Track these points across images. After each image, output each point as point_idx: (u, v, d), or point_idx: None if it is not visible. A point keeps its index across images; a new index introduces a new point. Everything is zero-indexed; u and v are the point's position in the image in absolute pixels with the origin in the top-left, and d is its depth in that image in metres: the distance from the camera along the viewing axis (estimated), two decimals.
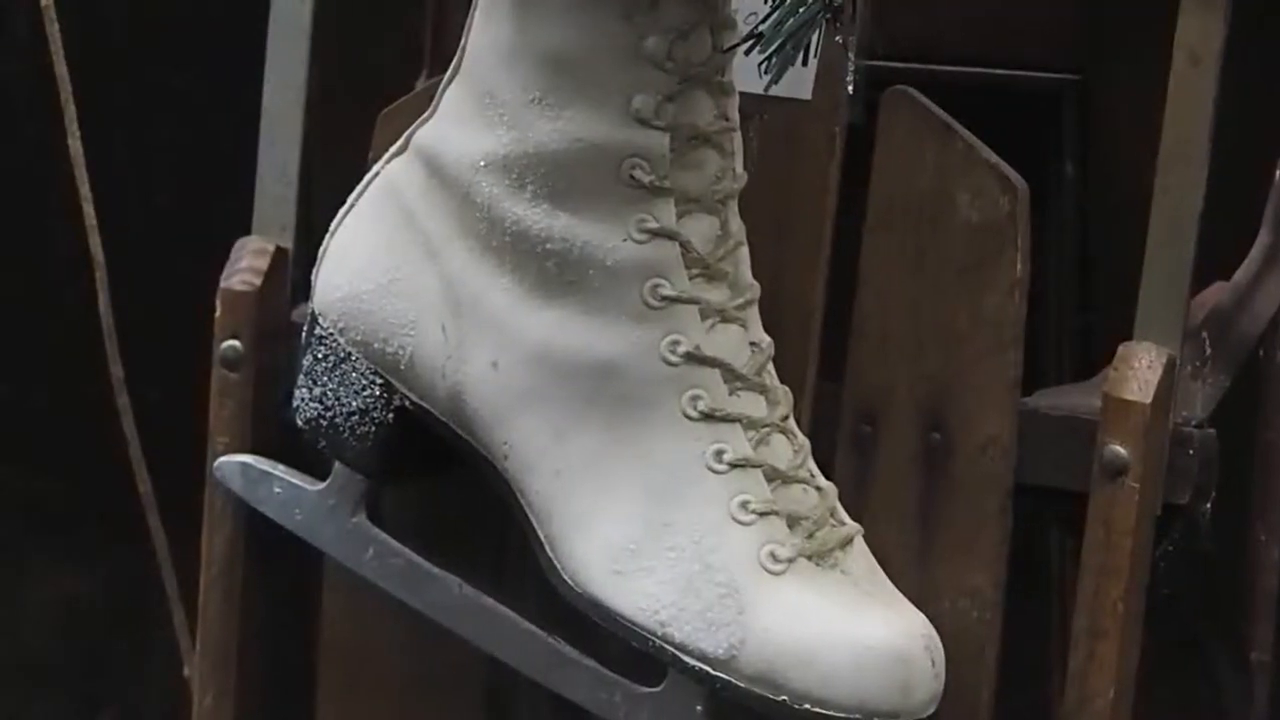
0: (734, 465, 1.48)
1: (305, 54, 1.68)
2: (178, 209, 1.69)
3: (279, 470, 1.63)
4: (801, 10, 1.39)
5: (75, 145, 1.68)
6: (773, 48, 1.41)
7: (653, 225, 1.47)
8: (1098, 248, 1.63)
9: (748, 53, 1.44)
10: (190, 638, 1.72)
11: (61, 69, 1.68)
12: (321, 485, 1.61)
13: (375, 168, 1.59)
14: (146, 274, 1.71)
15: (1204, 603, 1.65)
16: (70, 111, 1.68)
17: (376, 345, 1.56)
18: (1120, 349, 1.52)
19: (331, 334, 1.58)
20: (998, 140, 1.59)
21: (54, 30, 1.67)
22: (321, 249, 1.60)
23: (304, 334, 1.60)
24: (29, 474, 2.02)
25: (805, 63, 1.44)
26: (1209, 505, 1.55)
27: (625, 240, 1.48)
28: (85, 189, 1.68)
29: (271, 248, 1.68)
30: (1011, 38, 1.69)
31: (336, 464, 1.60)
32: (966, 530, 1.57)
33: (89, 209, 1.68)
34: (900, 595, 1.50)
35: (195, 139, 1.73)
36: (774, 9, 1.40)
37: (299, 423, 1.60)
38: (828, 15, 1.40)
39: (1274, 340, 1.64)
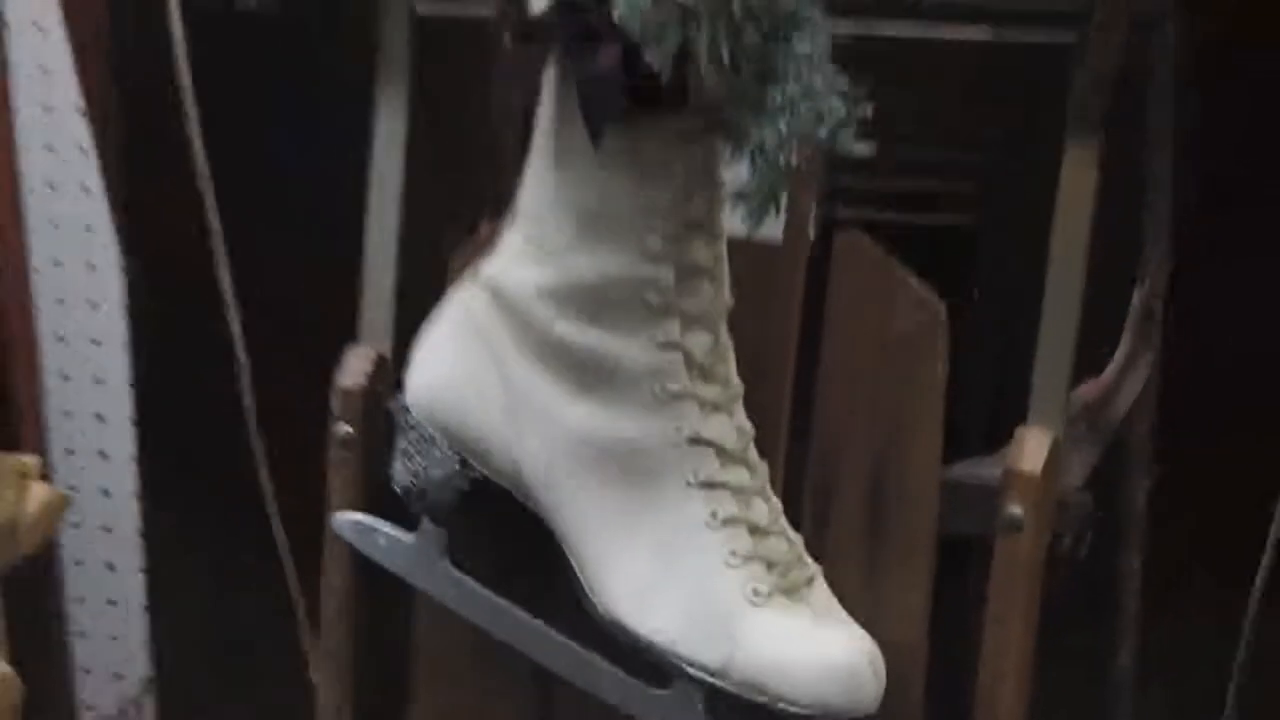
0: (725, 522, 1.50)
1: (398, 206, 1.68)
2: (307, 321, 1.69)
3: (381, 525, 1.64)
4: (775, 175, 1.41)
5: (225, 278, 1.68)
6: (753, 204, 1.43)
7: (663, 339, 1.49)
8: (1001, 354, 1.63)
9: (734, 208, 1.47)
10: (315, 649, 1.73)
11: (210, 197, 1.68)
12: (413, 536, 1.62)
13: (452, 294, 1.59)
14: (280, 368, 1.70)
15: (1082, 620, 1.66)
16: (221, 256, 1.67)
17: (455, 430, 1.57)
18: (1017, 432, 1.53)
19: (420, 422, 1.59)
20: (923, 269, 1.60)
21: (200, 154, 1.66)
22: (412, 356, 1.60)
23: (399, 421, 1.61)
24: (205, 526, 2.01)
25: (777, 213, 1.46)
26: (1085, 547, 1.57)
27: (642, 350, 1.49)
28: (236, 324, 1.68)
29: (374, 355, 1.68)
30: (930, 190, 1.68)
31: (424, 519, 1.61)
32: (901, 571, 1.58)
33: (237, 328, 1.68)
34: (851, 620, 1.52)
35: (326, 265, 1.72)
36: (754, 175, 1.43)
37: (396, 489, 1.61)
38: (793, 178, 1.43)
39: (1133, 424, 1.65)
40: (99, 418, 2.68)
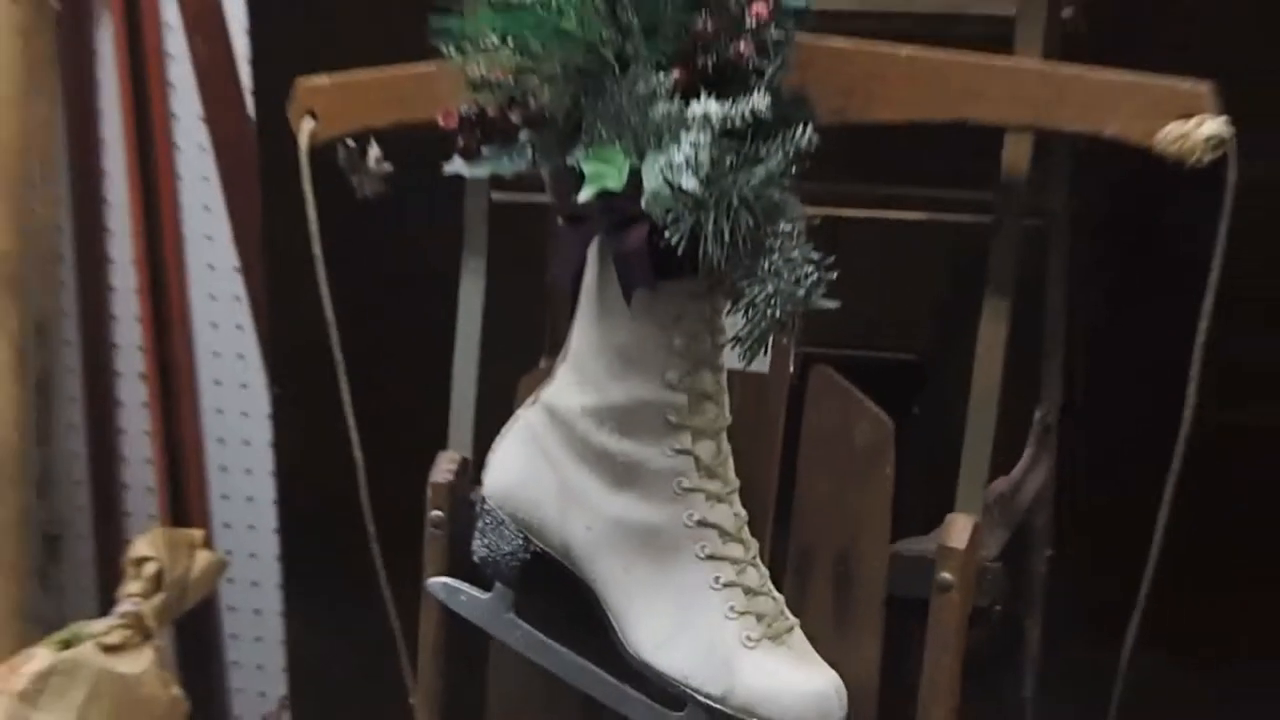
0: (725, 585, 1.48)
1: (477, 346, 1.67)
2: (411, 432, 1.68)
3: (464, 586, 1.62)
4: (763, 324, 1.40)
5: (346, 399, 1.67)
6: (746, 345, 1.42)
7: (678, 447, 1.48)
8: (935, 458, 1.62)
9: (732, 348, 1.46)
10: (413, 680, 1.72)
11: (333, 331, 1.67)
12: (488, 595, 1.60)
13: (519, 412, 1.58)
14: (390, 465, 1.69)
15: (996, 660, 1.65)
16: (343, 382, 1.67)
17: (521, 516, 1.55)
18: (947, 517, 1.51)
19: (494, 509, 1.57)
20: (876, 394, 1.59)
21: (328, 303, 1.65)
22: (488, 459, 1.59)
23: (478, 508, 1.59)
24: (330, 582, 1.99)
25: (765, 353, 1.45)
26: (998, 607, 1.55)
27: (662, 456, 1.48)
28: (354, 433, 1.67)
29: (459, 457, 1.67)
30: (882, 334, 1.66)
31: (496, 583, 1.59)
32: (860, 624, 1.55)
33: (354, 435, 1.67)
34: (822, 660, 1.50)
35: (425, 389, 1.71)
36: (748, 323, 1.42)
37: (475, 559, 1.59)
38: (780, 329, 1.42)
39: (1034, 512, 1.64)
40: (249, 499, 2.67)
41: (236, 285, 2.57)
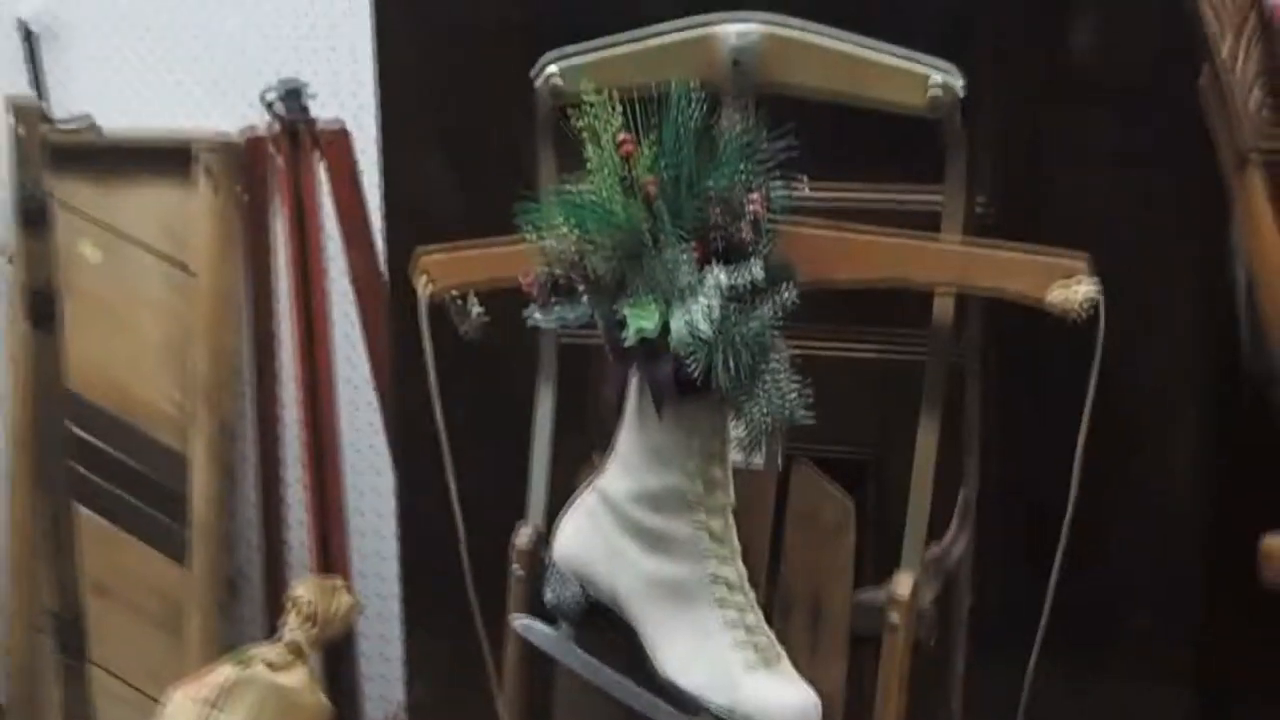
0: (731, 624, 1.47)
1: (549, 446, 1.66)
2: (500, 508, 1.67)
3: (538, 624, 1.60)
4: (758, 431, 1.41)
5: (452, 482, 1.66)
6: (746, 446, 1.43)
7: (696, 520, 1.47)
8: (885, 529, 1.61)
9: (736, 448, 1.46)
10: (501, 695, 1.70)
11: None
12: (556, 630, 1.59)
13: (588, 495, 1.56)
14: (484, 532, 1.67)
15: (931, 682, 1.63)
16: (449, 467, 1.66)
17: (580, 572, 1.55)
18: (895, 573, 1.50)
19: (560, 566, 1.56)
20: (842, 481, 1.59)
21: (439, 409, 1.65)
22: (555, 529, 1.58)
23: (548, 565, 1.59)
24: (441, 620, 1.97)
25: (760, 452, 1.45)
26: (933, 641, 1.54)
27: (685, 527, 1.47)
28: (458, 509, 1.65)
29: (533, 529, 1.65)
30: (844, 438, 1.65)
31: (562, 621, 1.58)
32: (829, 654, 1.55)
33: (458, 510, 1.66)
34: (803, 681, 1.48)
35: (509, 477, 1.70)
36: (746, 431, 1.42)
37: (546, 603, 1.58)
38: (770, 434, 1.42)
39: (959, 570, 1.62)
40: (378, 555, 2.66)
41: (372, 397, 2.57)
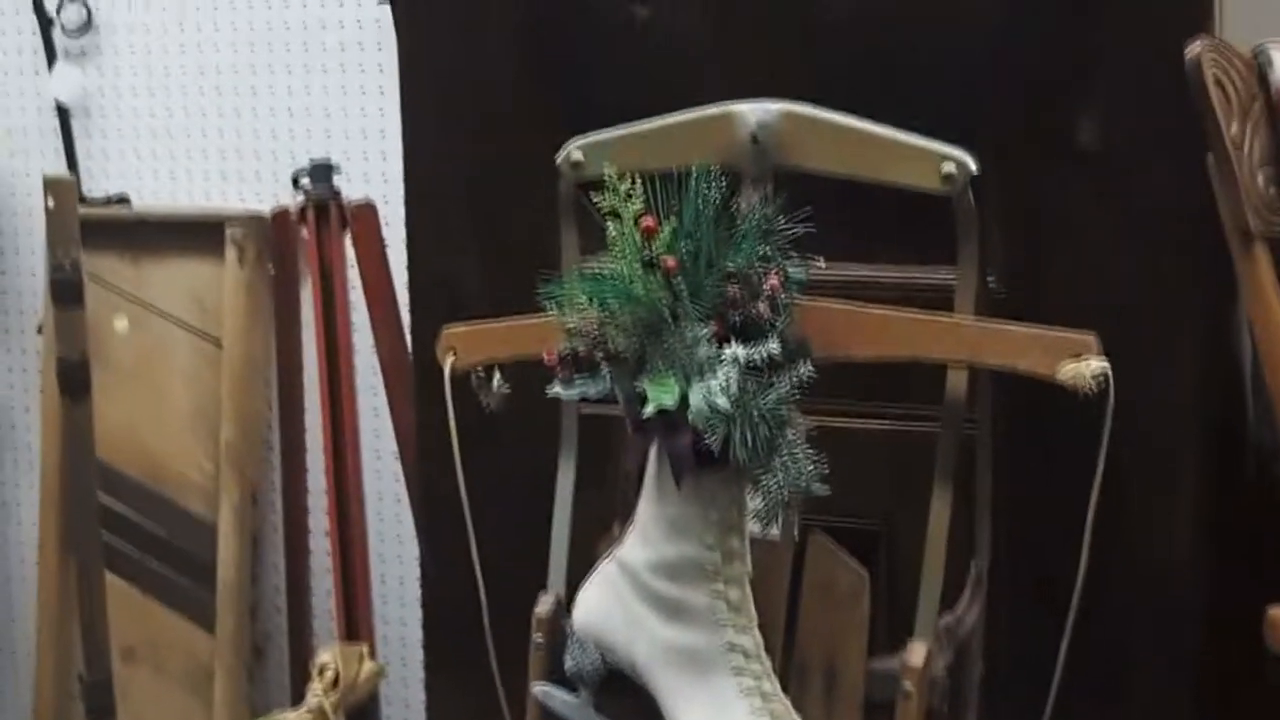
0: (747, 691, 1.47)
1: (569, 517, 1.65)
2: (521, 577, 1.67)
3: (558, 690, 1.60)
4: (775, 503, 1.41)
5: (474, 556, 1.66)
6: (763, 518, 1.43)
7: (714, 590, 1.47)
8: (898, 600, 1.61)
9: (753, 519, 1.46)
10: None
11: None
12: (575, 697, 1.59)
13: (608, 565, 1.57)
14: (506, 602, 1.67)
15: None
16: (472, 542, 1.66)
17: (599, 640, 1.55)
18: (908, 642, 1.49)
19: (580, 634, 1.57)
20: (855, 553, 1.59)
21: (463, 487, 1.66)
22: (576, 598, 1.58)
23: (568, 633, 1.59)
24: (464, 684, 1.96)
25: (777, 524, 1.46)
26: (945, 707, 1.53)
27: (703, 597, 1.47)
28: (481, 581, 1.65)
29: (554, 597, 1.64)
30: (859, 509, 1.65)
31: (582, 688, 1.58)
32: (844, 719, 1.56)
33: (481, 582, 1.66)
34: None
35: (532, 548, 1.70)
36: (763, 502, 1.42)
37: (566, 670, 1.58)
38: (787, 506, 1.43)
39: (970, 640, 1.62)
40: (402, 622, 2.67)
41: (396, 468, 2.58)
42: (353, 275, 2.53)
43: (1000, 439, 1.62)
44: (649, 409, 1.41)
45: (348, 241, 2.52)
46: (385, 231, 2.51)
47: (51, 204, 2.00)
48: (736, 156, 1.54)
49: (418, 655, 2.40)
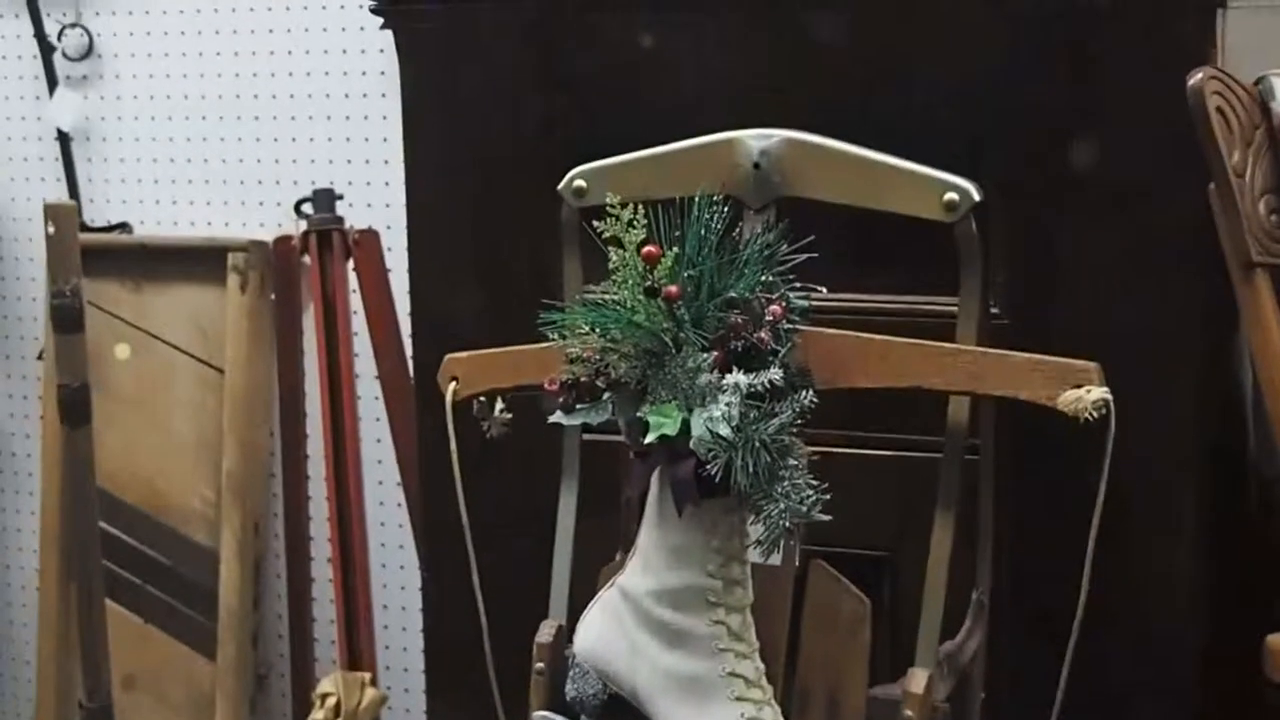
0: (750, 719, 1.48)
1: (570, 548, 1.65)
2: (524, 607, 1.67)
3: (558, 718, 1.59)
4: (777, 530, 1.41)
5: (475, 578, 1.65)
6: (765, 546, 1.43)
7: (715, 619, 1.47)
8: (899, 627, 1.61)
9: (754, 547, 1.46)
10: None
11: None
12: None
13: (600, 592, 1.57)
14: (508, 628, 1.67)
15: None
16: (472, 563, 1.66)
17: (600, 668, 1.54)
18: (909, 670, 1.49)
19: (581, 662, 1.56)
20: (857, 581, 1.58)
21: (464, 514, 1.65)
22: (578, 624, 1.58)
23: (569, 660, 1.58)
24: (465, 708, 1.96)
25: (778, 552, 1.46)
26: None
27: (704, 625, 1.47)
28: (481, 605, 1.65)
29: (556, 624, 1.64)
30: (861, 537, 1.65)
31: (583, 715, 1.57)
32: None
33: (482, 608, 1.65)
34: None
35: (534, 577, 1.70)
36: (765, 530, 1.42)
37: (567, 698, 1.57)
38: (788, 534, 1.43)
39: (972, 667, 1.62)
40: (404, 650, 2.67)
41: (399, 495, 2.59)
42: (355, 302, 2.53)
43: (1003, 469, 1.62)
44: (651, 436, 1.41)
45: (350, 269, 2.53)
46: (388, 259, 2.51)
47: (52, 230, 2.00)
48: (739, 184, 1.54)
49: (420, 683, 2.40)
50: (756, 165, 1.54)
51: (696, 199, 1.43)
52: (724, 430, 1.38)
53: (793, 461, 1.41)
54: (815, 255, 1.46)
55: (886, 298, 1.66)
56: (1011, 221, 1.62)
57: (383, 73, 2.58)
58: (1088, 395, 1.39)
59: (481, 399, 1.64)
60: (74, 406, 2.06)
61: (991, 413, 1.58)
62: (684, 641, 1.48)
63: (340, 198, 2.55)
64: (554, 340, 1.47)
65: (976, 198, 1.47)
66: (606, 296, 1.46)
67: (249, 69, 2.69)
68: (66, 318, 2.04)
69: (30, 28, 2.76)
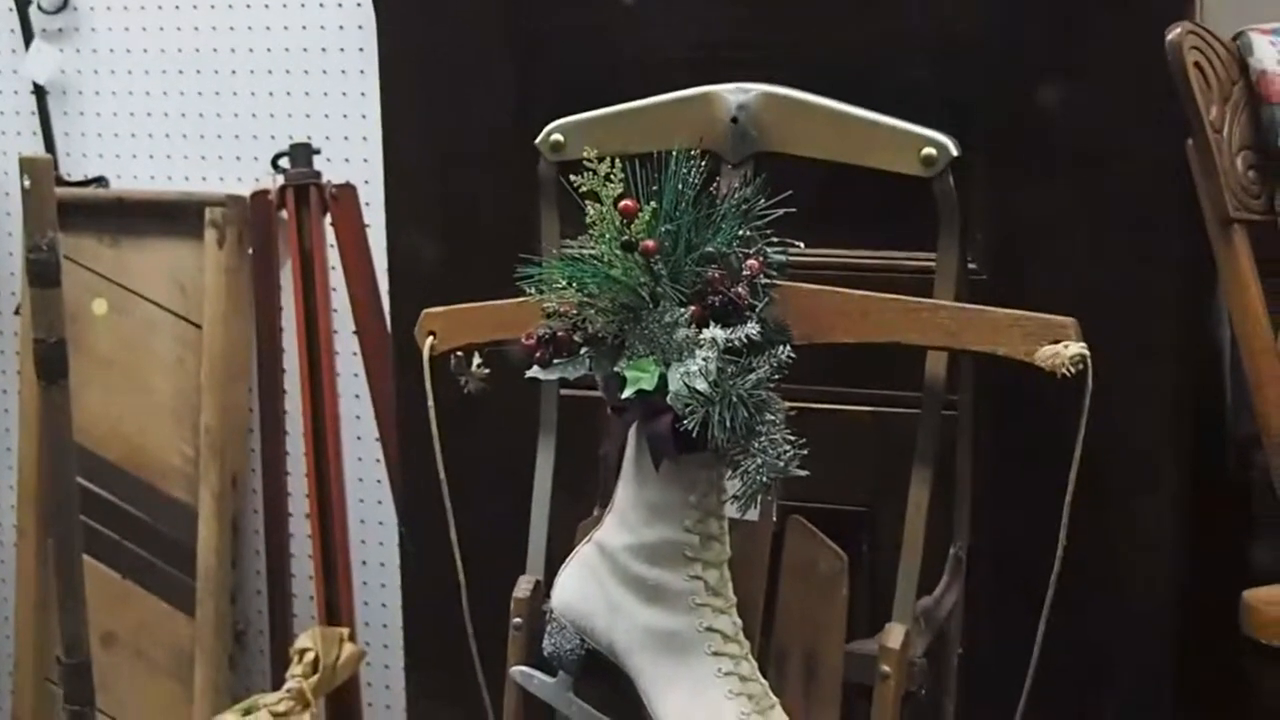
0: (726, 674, 1.47)
1: (548, 502, 1.66)
2: (501, 561, 1.67)
3: (536, 673, 1.60)
4: (754, 486, 1.42)
5: (454, 543, 1.66)
6: (742, 501, 1.43)
7: (692, 574, 1.48)
8: (877, 582, 1.61)
9: (732, 503, 1.46)
10: None
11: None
12: (554, 680, 1.59)
13: (578, 547, 1.57)
14: (485, 584, 1.68)
15: None
16: (451, 525, 1.66)
17: (578, 623, 1.55)
18: (885, 625, 1.51)
19: (558, 617, 1.57)
20: (834, 536, 1.59)
21: (443, 481, 1.66)
22: (555, 580, 1.58)
23: (547, 615, 1.59)
24: (442, 667, 1.97)
25: (756, 506, 1.46)
26: (923, 690, 1.54)
27: (681, 580, 1.48)
28: (459, 563, 1.65)
29: (534, 579, 1.65)
30: (838, 492, 1.65)
31: (560, 671, 1.58)
32: (822, 703, 1.55)
33: (462, 574, 1.66)
34: None
35: (514, 529, 1.70)
36: (742, 485, 1.42)
37: (544, 653, 1.58)
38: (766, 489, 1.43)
39: (949, 622, 1.63)
40: (383, 606, 2.67)
41: (377, 451, 2.58)
42: (333, 257, 2.52)
43: (980, 424, 1.63)
44: (628, 392, 1.42)
45: (328, 224, 2.52)
46: (366, 213, 2.50)
47: (28, 184, 1.99)
48: (716, 138, 1.54)
49: (398, 638, 2.40)
50: (734, 120, 1.54)
51: (674, 153, 1.43)
52: (701, 385, 1.38)
53: (770, 417, 1.41)
54: (793, 210, 1.46)
55: (864, 253, 1.66)
56: (990, 177, 1.62)
57: (360, 27, 2.56)
58: (1065, 350, 1.39)
59: (459, 354, 1.64)
60: (51, 362, 2.06)
61: (969, 368, 1.59)
62: (661, 597, 1.49)
63: (318, 152, 2.54)
64: (531, 295, 1.47)
65: (954, 153, 1.47)
66: (584, 251, 1.46)
67: (226, 22, 2.68)
68: (43, 272, 2.03)
69: None
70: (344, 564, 2.55)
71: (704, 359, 1.39)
